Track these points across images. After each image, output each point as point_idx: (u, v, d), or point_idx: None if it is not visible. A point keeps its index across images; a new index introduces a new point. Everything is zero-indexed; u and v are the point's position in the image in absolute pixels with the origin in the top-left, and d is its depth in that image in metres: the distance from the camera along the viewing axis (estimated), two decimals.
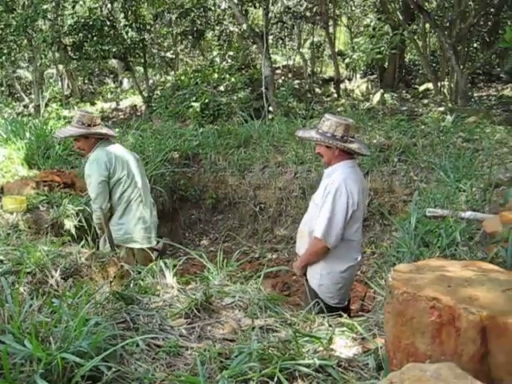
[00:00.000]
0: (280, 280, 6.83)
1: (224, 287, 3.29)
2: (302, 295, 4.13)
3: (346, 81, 15.54)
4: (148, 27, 14.44)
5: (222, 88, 12.21)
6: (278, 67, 17.36)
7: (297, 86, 14.23)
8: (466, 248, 3.66)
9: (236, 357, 2.43)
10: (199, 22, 14.72)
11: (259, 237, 7.92)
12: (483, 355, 2.02)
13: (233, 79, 12.31)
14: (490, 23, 14.28)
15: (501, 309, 2.03)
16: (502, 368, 1.99)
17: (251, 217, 8.10)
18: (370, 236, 7.01)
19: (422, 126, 8.40)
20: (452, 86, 12.65)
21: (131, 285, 3.30)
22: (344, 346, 2.70)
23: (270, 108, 11.30)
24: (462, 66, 12.11)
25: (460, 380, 1.75)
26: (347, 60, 12.13)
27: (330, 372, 2.40)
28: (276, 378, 2.26)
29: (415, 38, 14.16)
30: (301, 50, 16.13)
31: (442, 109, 10.96)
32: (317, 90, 14.79)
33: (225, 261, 3.66)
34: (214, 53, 16.00)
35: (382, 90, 13.70)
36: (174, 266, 3.48)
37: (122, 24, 14.11)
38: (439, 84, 13.55)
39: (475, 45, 15.01)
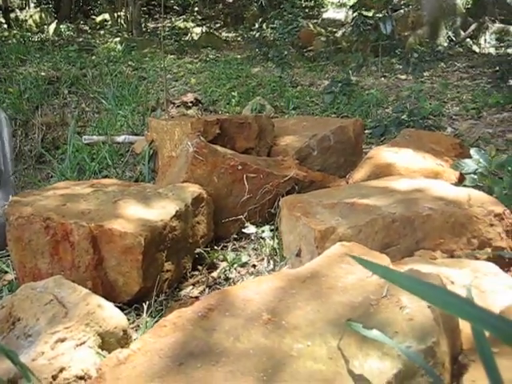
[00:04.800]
0: None
1: None
2: None
3: (18, 10, 14.35)
4: None
5: None
6: None
7: None
8: (116, 169, 3.81)
9: None
10: None
11: None
12: (98, 262, 2.15)
13: None
14: None
15: (108, 217, 2.17)
16: (114, 270, 2.14)
17: None
18: (48, 172, 6.81)
19: (93, 57, 8.30)
20: (128, 16, 12.70)
21: None
22: None
23: None
24: None
25: (63, 288, 1.82)
26: None
27: None
28: None
29: None
30: None
31: (117, 39, 10.95)
32: None
33: None
34: None
35: (57, 21, 13.05)
36: None
37: None
38: (116, 15, 13.48)
39: None
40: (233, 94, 5.55)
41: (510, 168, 2.38)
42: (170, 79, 7.06)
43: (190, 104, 4.98)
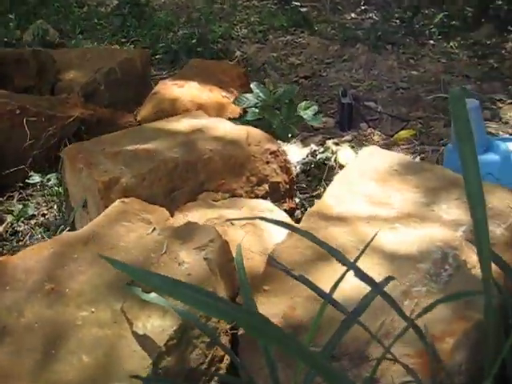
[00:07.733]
0: None
1: None
2: None
3: None
4: None
5: None
6: None
7: None
8: None
9: None
10: None
11: None
12: None
13: None
14: None
15: None
16: None
17: None
18: None
19: None
20: None
21: None
22: None
23: None
24: None
25: None
26: None
27: None
28: None
29: None
30: None
31: None
32: None
33: None
34: None
35: None
36: None
37: None
38: None
39: None
40: (10, 16, 5.02)
41: (286, 101, 2.55)
42: None
43: None
